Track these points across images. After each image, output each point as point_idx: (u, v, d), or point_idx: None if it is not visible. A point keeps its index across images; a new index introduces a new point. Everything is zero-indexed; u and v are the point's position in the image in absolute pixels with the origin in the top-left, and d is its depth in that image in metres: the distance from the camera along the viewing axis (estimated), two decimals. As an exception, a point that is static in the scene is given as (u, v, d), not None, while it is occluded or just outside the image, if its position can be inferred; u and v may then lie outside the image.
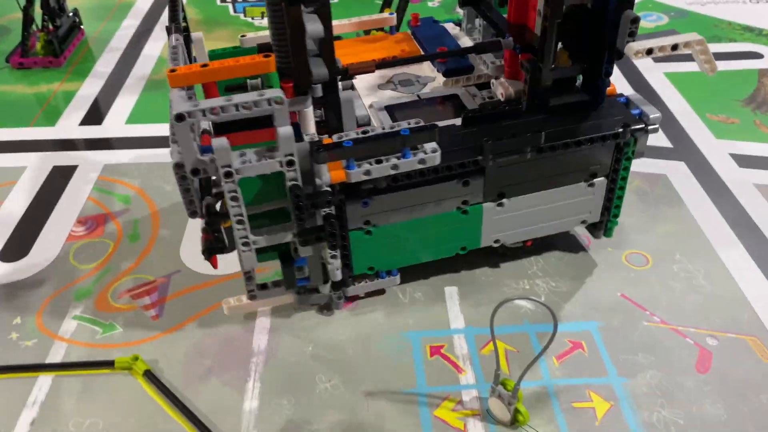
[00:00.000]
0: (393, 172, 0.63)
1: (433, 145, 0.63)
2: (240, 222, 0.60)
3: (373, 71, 0.71)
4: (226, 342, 0.72)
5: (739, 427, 0.64)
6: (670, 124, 1.07)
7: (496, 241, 0.77)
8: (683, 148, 1.02)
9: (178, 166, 0.57)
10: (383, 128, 0.63)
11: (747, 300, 0.77)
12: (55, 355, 0.71)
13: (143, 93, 1.18)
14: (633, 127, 0.70)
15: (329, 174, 0.62)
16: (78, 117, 1.12)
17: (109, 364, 0.69)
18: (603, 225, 0.80)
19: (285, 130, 0.56)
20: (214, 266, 0.67)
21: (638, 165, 0.98)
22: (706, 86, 1.18)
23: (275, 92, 0.55)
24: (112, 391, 0.67)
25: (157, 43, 1.35)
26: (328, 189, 0.62)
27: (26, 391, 0.68)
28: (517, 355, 0.70)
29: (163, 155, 1.01)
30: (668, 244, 0.84)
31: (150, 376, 0.68)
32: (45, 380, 0.69)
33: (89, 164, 1.00)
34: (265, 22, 1.42)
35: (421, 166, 0.64)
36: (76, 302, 0.77)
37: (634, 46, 0.65)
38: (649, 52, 0.65)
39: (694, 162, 0.99)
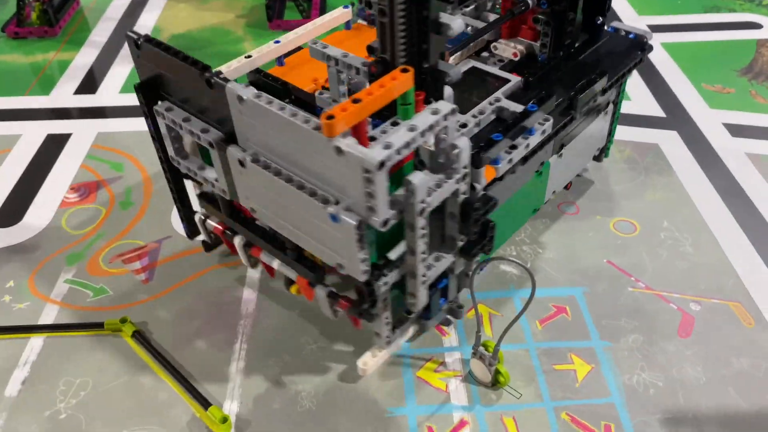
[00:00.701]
0: (526, 151, 0.62)
1: (544, 114, 0.63)
2: (424, 260, 0.55)
3: (447, 60, 0.69)
4: (215, 306, 0.73)
5: (718, 389, 0.64)
6: (664, 93, 1.07)
7: (553, 192, 0.78)
8: (676, 118, 1.01)
9: (361, 226, 0.49)
10: (495, 112, 0.61)
11: (733, 267, 0.77)
12: (47, 317, 0.72)
13: (138, 62, 1.18)
14: (645, 50, 0.75)
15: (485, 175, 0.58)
16: (72, 86, 1.12)
17: (98, 325, 0.70)
18: (604, 148, 0.85)
19: (464, 142, 0.51)
20: (359, 326, 0.64)
21: (630, 134, 0.98)
22: (703, 56, 1.17)
23: (447, 106, 0.50)
24: (102, 352, 0.69)
25: (152, 14, 1.35)
26: (485, 192, 0.58)
27: (18, 352, 0.69)
28: (500, 319, 0.71)
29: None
30: (657, 212, 0.84)
31: (138, 337, 0.69)
32: (36, 341, 0.70)
33: (83, 132, 1.01)
34: (261, -8, 1.41)
35: (542, 138, 0.63)
36: (68, 266, 0.78)
37: None
38: None
39: (687, 131, 0.98)
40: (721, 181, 0.89)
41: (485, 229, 0.59)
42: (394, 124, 0.50)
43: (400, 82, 0.48)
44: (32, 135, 1.00)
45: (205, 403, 0.63)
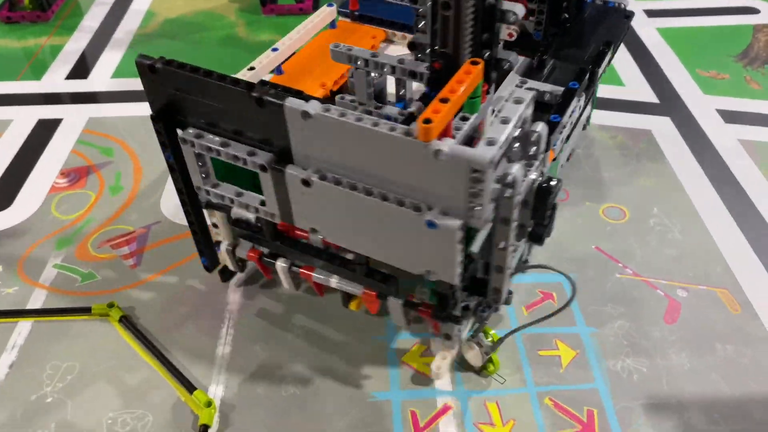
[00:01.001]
0: (570, 130, 0.62)
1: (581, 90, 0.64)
2: (512, 252, 0.53)
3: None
4: (203, 291, 0.74)
5: (702, 375, 0.64)
6: (658, 79, 1.06)
7: (561, 166, 0.79)
8: (670, 104, 1.01)
9: (463, 228, 0.47)
10: (548, 93, 0.61)
11: (721, 254, 0.77)
12: (35, 302, 0.73)
13: (130, 47, 1.18)
14: (629, 17, 0.78)
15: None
16: (64, 71, 1.12)
17: (86, 310, 0.71)
18: (588, 117, 0.86)
19: (543, 128, 0.50)
20: (438, 331, 0.62)
21: (623, 120, 0.98)
22: (698, 42, 1.16)
23: (527, 93, 0.49)
24: (89, 337, 0.69)
25: (146, -2, 1.34)
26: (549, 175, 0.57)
27: (6, 336, 0.69)
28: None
29: (148, 108, 1.01)
30: (647, 199, 0.84)
31: (125, 322, 0.69)
32: (24, 326, 0.70)
33: (74, 118, 1.00)
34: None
35: (579, 114, 0.64)
36: (57, 251, 0.79)
37: None
38: None
39: (680, 117, 0.98)
40: (712, 167, 0.89)
41: (553, 213, 0.57)
42: (464, 119, 0.48)
43: (475, 76, 0.47)
44: (23, 120, 1.00)
45: (190, 388, 0.63)
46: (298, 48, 0.74)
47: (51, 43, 1.19)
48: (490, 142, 0.44)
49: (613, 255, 0.77)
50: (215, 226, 0.66)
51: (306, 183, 0.51)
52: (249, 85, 0.51)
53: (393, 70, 0.58)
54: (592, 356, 0.66)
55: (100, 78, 1.10)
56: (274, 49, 0.70)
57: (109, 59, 1.14)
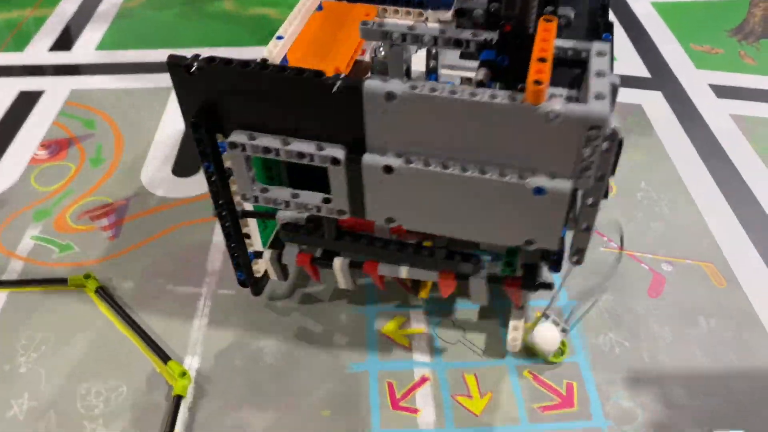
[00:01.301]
0: None
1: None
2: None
3: None
4: (181, 262, 0.73)
5: (684, 349, 0.64)
6: (650, 53, 1.04)
7: None
8: (661, 78, 0.99)
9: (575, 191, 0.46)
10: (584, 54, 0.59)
11: (708, 228, 0.76)
12: (11, 273, 0.72)
13: (115, 20, 1.16)
14: None
15: None
16: (48, 43, 1.10)
17: (62, 281, 0.70)
18: None
19: (617, 80, 0.48)
20: (519, 304, 0.61)
21: (612, 94, 0.96)
22: (693, 16, 1.14)
23: (605, 46, 0.47)
24: (65, 308, 0.68)
25: (133, -30, 1.32)
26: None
27: (-19, 307, 0.69)
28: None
29: (131, 81, 1.00)
30: (635, 173, 0.83)
31: (101, 293, 0.68)
32: (0, 296, 0.70)
33: (56, 90, 0.99)
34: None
35: None
36: (35, 223, 0.77)
37: None
38: None
39: (671, 92, 0.96)
40: (702, 142, 0.87)
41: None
42: None
43: (553, 34, 0.46)
44: (4, 92, 0.99)
45: (164, 358, 0.62)
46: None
47: (35, 15, 1.17)
48: (599, 96, 0.42)
49: (599, 229, 0.76)
50: (247, 236, 0.62)
51: (388, 169, 0.48)
52: (317, 73, 0.46)
53: (435, 41, 0.54)
54: (574, 330, 0.65)
55: (84, 50, 1.08)
56: (279, 37, 0.68)
57: (94, 31, 1.13)
